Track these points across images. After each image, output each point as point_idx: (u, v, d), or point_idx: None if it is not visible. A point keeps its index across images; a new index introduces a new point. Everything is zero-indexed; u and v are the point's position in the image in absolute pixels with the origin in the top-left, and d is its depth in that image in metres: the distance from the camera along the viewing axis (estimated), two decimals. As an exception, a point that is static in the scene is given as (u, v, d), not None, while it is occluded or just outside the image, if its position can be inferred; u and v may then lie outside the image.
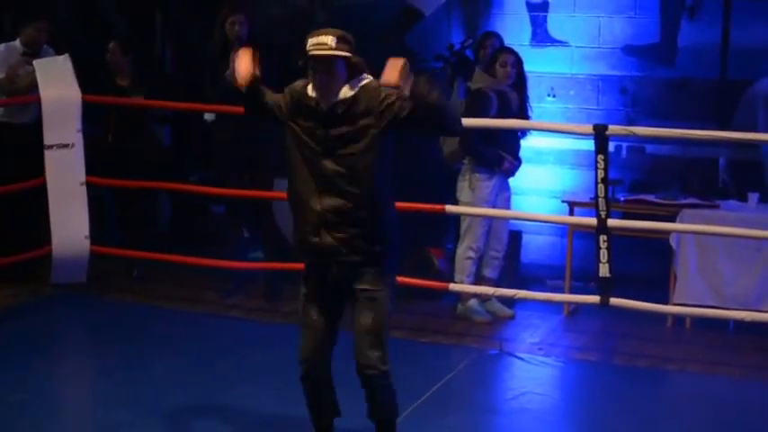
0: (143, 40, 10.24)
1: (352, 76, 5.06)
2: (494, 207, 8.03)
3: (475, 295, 8.09)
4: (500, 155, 7.95)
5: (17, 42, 8.63)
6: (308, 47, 5.00)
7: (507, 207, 8.17)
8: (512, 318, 8.20)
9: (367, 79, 5.08)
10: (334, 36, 4.98)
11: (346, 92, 5.02)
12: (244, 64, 5.27)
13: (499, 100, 7.93)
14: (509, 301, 8.22)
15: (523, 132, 8.16)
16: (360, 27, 9.23)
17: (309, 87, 5.11)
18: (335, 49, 4.96)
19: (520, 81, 8.06)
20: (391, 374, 5.24)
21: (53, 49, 8.70)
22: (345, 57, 5.00)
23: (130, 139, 8.95)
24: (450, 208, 7.79)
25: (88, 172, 8.37)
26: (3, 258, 8.16)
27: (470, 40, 9.15)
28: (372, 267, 5.13)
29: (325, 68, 4.99)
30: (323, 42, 4.97)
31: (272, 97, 5.31)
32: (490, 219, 8.10)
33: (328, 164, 5.03)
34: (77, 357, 7.67)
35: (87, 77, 8.43)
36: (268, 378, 6.76)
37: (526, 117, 8.06)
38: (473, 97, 8.07)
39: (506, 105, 7.93)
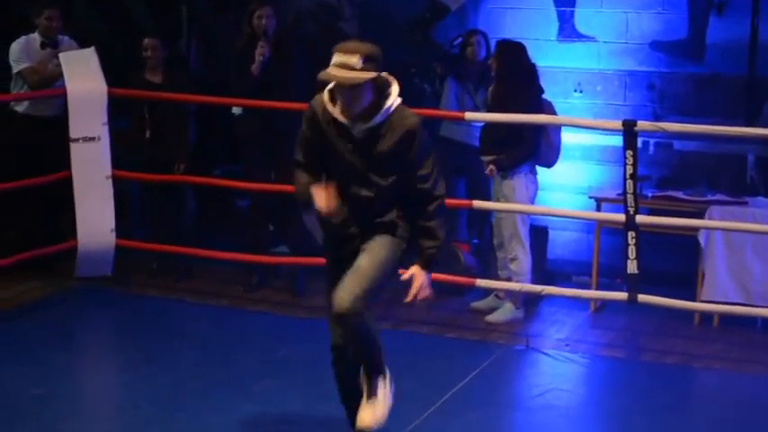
0: (168, 35, 10.22)
1: (378, 93, 4.99)
2: None
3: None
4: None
5: (36, 34, 8.62)
6: (333, 64, 4.87)
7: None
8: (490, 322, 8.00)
9: (394, 101, 5.00)
10: (360, 55, 4.86)
11: (377, 118, 4.96)
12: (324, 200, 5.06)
13: None
14: (535, 298, 8.18)
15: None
16: (385, 21, 9.23)
17: (336, 108, 5.02)
18: (361, 71, 4.85)
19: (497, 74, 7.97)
20: (366, 317, 5.02)
21: (69, 38, 8.69)
22: (371, 78, 4.91)
23: (168, 134, 8.89)
24: (477, 203, 7.78)
25: (123, 166, 8.39)
26: (28, 252, 8.16)
27: (459, 39, 9.13)
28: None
29: (350, 91, 4.90)
30: (347, 64, 4.84)
31: (308, 149, 5.22)
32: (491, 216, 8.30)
33: (359, 168, 5.05)
34: (101, 351, 7.70)
35: (111, 70, 8.41)
36: (292, 373, 6.75)
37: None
38: None
39: None
